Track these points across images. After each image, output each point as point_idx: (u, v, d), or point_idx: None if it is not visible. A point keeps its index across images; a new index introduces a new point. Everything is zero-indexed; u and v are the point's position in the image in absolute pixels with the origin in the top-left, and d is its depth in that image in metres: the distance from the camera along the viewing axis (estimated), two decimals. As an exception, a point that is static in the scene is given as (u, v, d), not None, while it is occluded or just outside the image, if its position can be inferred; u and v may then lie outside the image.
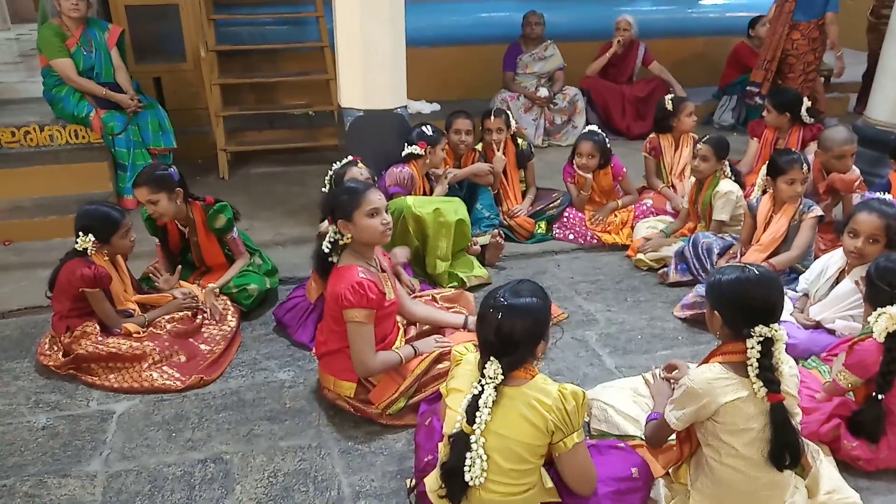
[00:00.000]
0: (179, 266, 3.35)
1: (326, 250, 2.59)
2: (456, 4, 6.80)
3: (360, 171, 3.26)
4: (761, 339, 1.93)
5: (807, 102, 4.51)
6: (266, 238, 4.23)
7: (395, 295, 2.70)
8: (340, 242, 2.58)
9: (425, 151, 3.79)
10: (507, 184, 4.36)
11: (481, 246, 3.89)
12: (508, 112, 4.34)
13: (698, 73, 7.16)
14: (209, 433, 2.56)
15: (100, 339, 2.91)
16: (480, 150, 4.31)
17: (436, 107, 6.57)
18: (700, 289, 3.41)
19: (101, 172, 4.56)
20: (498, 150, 4.24)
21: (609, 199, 4.37)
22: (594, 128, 4.35)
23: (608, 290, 3.68)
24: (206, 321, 3.18)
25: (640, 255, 3.91)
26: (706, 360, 2.09)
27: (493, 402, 1.88)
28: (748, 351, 1.95)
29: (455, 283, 3.63)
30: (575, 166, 4.26)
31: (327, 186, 3.29)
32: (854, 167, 3.83)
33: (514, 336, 1.90)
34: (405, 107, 3.99)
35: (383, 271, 2.69)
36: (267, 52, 6.10)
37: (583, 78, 6.36)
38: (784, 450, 1.93)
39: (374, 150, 3.87)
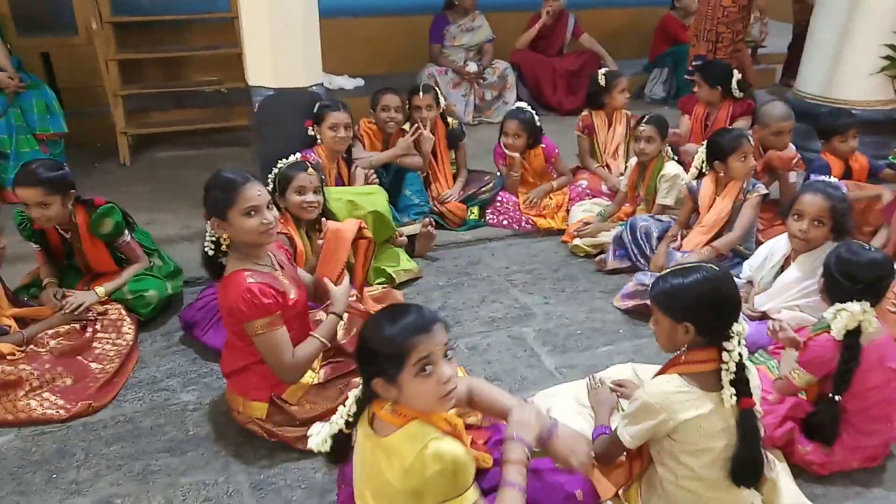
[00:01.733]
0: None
1: (210, 252, 2.24)
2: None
3: (309, 179, 2.84)
4: (740, 337, 1.75)
5: (737, 75, 4.39)
6: (171, 232, 3.82)
7: (300, 291, 2.37)
8: (221, 243, 2.25)
9: (313, 130, 3.46)
10: (436, 166, 4.07)
11: (410, 236, 3.60)
12: (437, 88, 4.04)
13: (628, 45, 7.02)
14: (97, 472, 2.20)
15: (-35, 363, 2.50)
16: (408, 129, 3.99)
17: (359, 82, 6.21)
18: (641, 277, 3.24)
19: (-24, 162, 4.02)
20: (426, 129, 3.93)
21: (543, 181, 4.15)
22: (523, 104, 4.10)
23: (545, 279, 3.46)
24: (99, 333, 2.79)
25: (576, 241, 3.71)
26: (664, 371, 1.89)
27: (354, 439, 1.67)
28: (726, 354, 1.75)
29: (383, 280, 3.34)
30: (502, 146, 4.01)
31: (271, 186, 2.88)
32: (791, 144, 3.72)
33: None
34: (321, 84, 3.64)
35: (281, 267, 2.37)
36: (172, 24, 5.57)
37: (512, 51, 6.10)
38: (749, 464, 1.76)
39: (286, 134, 3.52)
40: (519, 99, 6.05)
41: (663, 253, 3.37)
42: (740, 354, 1.74)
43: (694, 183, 3.43)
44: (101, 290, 2.90)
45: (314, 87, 3.56)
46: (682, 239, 3.41)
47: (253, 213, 2.16)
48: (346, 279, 2.49)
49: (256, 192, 2.18)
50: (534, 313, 3.15)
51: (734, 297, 1.79)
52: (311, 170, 2.87)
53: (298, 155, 2.95)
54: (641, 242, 3.47)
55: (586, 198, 4.10)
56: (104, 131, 5.01)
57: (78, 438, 2.35)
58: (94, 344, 2.76)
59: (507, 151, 3.98)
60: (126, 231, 2.99)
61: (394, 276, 3.34)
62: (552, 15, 5.96)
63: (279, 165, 2.91)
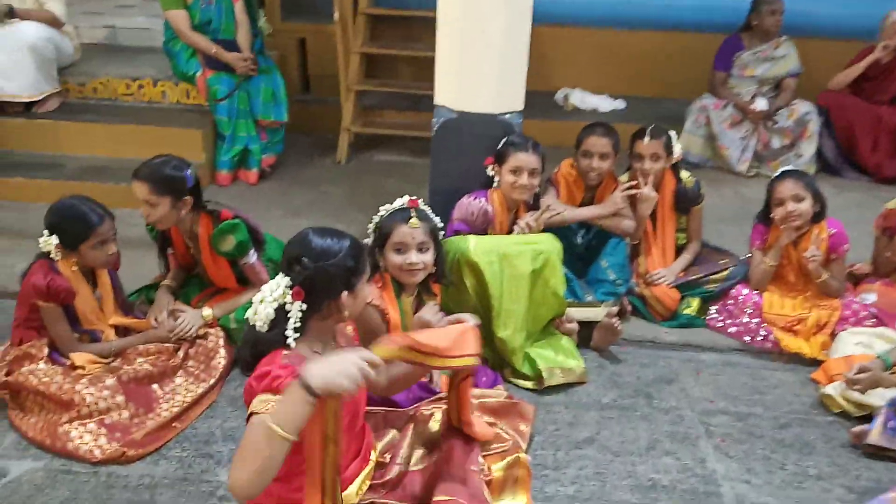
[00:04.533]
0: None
1: (294, 333, 1.67)
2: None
3: (412, 234, 2.20)
4: None
5: None
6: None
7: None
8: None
9: (493, 170, 2.75)
10: (652, 234, 3.10)
11: (585, 323, 2.74)
12: (670, 132, 3.06)
13: None
14: (75, 553, 1.83)
15: (41, 366, 2.32)
16: (626, 180, 3.09)
17: (619, 104, 5.33)
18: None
19: (193, 139, 4.06)
20: (647, 184, 3.00)
21: (808, 283, 2.92)
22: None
23: (761, 438, 2.35)
24: (189, 361, 2.49)
25: (831, 389, 2.50)
26: None
27: None
28: None
29: (529, 372, 2.56)
30: (777, 219, 2.87)
31: (371, 237, 2.30)
32: None
33: None
34: (519, 112, 2.91)
35: None
36: (432, 21, 5.28)
37: (823, 91, 4.68)
38: None
39: (463, 168, 2.88)
40: (820, 153, 4.67)
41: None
42: None
43: None
44: (208, 312, 2.59)
45: (506, 116, 2.84)
46: None
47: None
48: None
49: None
50: (720, 493, 2.11)
51: None
52: (414, 220, 2.20)
53: (406, 198, 2.29)
54: (940, 423, 2.18)
55: (866, 322, 2.80)
56: (339, 123, 4.88)
57: (91, 494, 2.01)
58: (178, 373, 2.45)
59: (787, 225, 2.83)
60: (251, 252, 2.62)
61: (544, 373, 2.52)
62: (890, 49, 4.43)
63: (380, 212, 2.28)
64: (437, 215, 2.45)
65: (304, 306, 1.67)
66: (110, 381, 2.29)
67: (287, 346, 1.66)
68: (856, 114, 4.58)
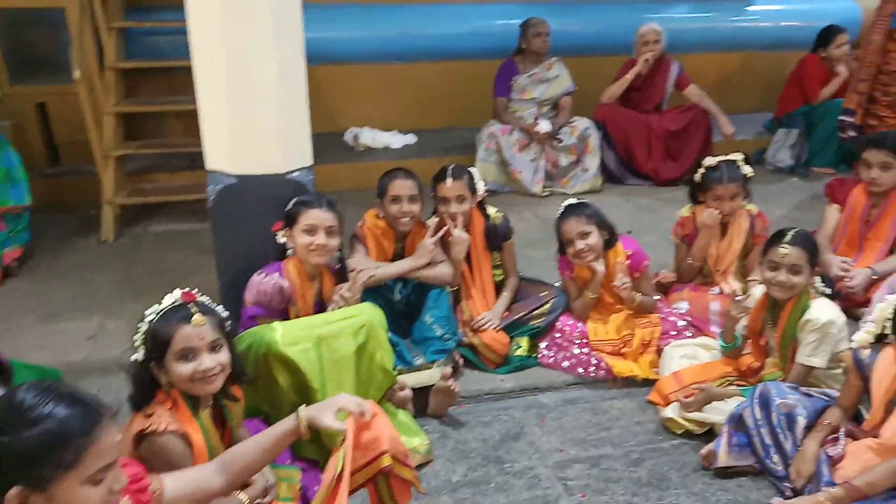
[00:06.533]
0: None
1: None
2: (443, 7, 5.40)
3: (199, 335, 1.75)
4: None
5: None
6: (114, 354, 2.84)
7: None
8: None
9: (284, 236, 2.42)
10: (470, 277, 2.94)
11: (417, 389, 2.48)
12: (471, 170, 2.92)
13: (746, 95, 5.75)
14: None
15: None
16: (434, 225, 2.89)
17: (410, 139, 5.23)
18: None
19: None
20: (457, 227, 2.82)
21: (621, 302, 2.90)
22: (575, 200, 2.92)
23: (618, 482, 2.23)
24: None
25: (671, 412, 2.46)
26: None
27: None
28: None
29: (367, 465, 2.23)
30: (572, 258, 2.83)
31: (142, 350, 1.78)
32: None
33: None
34: (309, 168, 2.59)
35: None
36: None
37: (597, 106, 4.91)
38: None
39: (253, 240, 2.49)
40: (604, 164, 4.88)
41: (812, 456, 2.09)
42: None
43: (866, 353, 2.12)
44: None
45: (296, 174, 2.51)
46: (846, 439, 2.12)
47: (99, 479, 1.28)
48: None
49: (112, 440, 1.31)
50: (593, 560, 1.94)
51: None
52: (198, 316, 1.76)
53: (178, 293, 1.86)
54: (779, 428, 2.19)
55: (686, 333, 2.84)
56: (100, 196, 4.20)
57: None
58: None
59: (581, 262, 2.79)
60: None
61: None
62: (650, 63, 4.75)
63: (148, 317, 1.83)
64: (231, 299, 2.04)
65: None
66: None
67: None
68: (628, 124, 4.86)
